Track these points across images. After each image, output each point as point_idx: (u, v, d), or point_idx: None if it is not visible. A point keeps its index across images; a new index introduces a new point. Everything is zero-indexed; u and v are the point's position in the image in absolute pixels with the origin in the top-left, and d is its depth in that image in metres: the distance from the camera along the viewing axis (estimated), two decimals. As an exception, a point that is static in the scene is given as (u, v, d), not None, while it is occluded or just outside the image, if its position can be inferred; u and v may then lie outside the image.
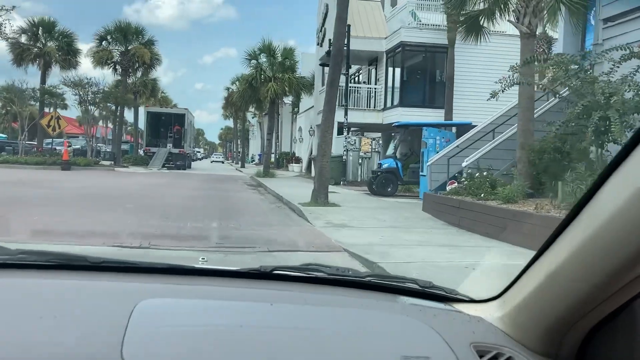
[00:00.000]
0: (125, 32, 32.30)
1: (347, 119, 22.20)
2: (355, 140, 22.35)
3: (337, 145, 24.75)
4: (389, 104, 25.34)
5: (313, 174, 29.26)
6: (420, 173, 15.14)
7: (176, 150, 37.31)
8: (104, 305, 1.14)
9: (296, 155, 43.84)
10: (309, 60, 35.92)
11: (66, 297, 1.18)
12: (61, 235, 7.58)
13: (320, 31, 27.01)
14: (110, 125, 75.23)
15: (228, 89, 51.29)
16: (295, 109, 53.68)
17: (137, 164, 35.19)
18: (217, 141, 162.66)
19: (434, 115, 23.11)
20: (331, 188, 19.74)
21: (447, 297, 1.42)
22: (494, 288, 1.34)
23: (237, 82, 51.68)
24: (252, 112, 72.46)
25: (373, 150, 22.41)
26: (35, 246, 1.68)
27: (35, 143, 32.20)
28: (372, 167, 22.71)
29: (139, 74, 42.45)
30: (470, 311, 1.33)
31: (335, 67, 12.62)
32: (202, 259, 1.52)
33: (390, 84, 25.58)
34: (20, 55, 30.51)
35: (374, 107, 25.93)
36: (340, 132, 26.71)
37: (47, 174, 22.99)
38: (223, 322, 1.15)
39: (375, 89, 26.28)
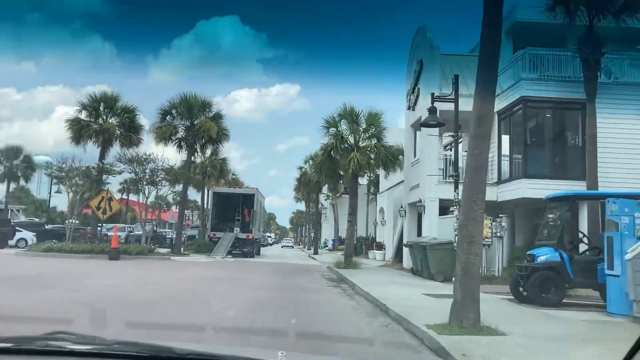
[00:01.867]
0: (191, 105, 29.31)
1: (458, 194, 17.02)
2: (468, 221, 17.05)
3: (442, 229, 19.46)
4: (505, 175, 20.04)
5: (405, 264, 23.91)
6: (607, 271, 9.56)
7: (244, 235, 33.05)
8: None
9: (377, 240, 38.53)
10: (391, 136, 31.55)
11: None
12: None
13: (412, 92, 22.58)
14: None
15: (301, 168, 47.67)
16: (372, 189, 49.06)
17: (200, 251, 31.12)
18: (288, 225, 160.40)
19: (569, 188, 17.63)
20: (444, 287, 14.32)
21: None
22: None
23: (310, 161, 48.14)
24: (325, 194, 68.52)
25: (494, 234, 16.93)
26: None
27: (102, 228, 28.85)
28: (493, 257, 17.15)
29: (207, 152, 39.66)
30: None
31: (485, 96, 7.65)
32: (282, 353, 1.52)
33: (505, 151, 20.41)
34: (79, 132, 27.91)
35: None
36: (443, 212, 21.45)
37: (86, 265, 18.98)
38: None
39: (483, 158, 21.10)
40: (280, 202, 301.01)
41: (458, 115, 17.44)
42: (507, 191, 19.26)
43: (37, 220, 51.47)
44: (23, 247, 29.55)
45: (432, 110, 16.79)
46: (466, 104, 18.65)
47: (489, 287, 14.48)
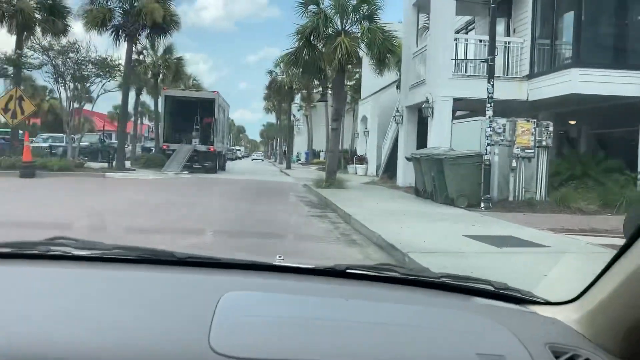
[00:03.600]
0: (130, -17, 23.00)
1: (492, 87, 12.18)
2: (504, 126, 12.27)
3: (459, 138, 14.76)
4: (543, 67, 15.16)
5: (401, 181, 19.28)
6: None
7: (204, 148, 27.95)
8: (191, 297, 1.21)
9: (357, 153, 33.93)
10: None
11: (156, 289, 1.27)
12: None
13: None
14: (147, 121, 67.16)
15: (271, 72, 41.77)
16: (349, 99, 43.99)
17: (150, 166, 26.02)
18: (259, 139, 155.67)
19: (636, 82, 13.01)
20: (482, 220, 9.82)
21: (522, 299, 1.40)
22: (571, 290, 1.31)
23: (281, 64, 42.25)
24: (298, 104, 62.84)
25: (537, 143, 12.26)
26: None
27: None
28: (533, 174, 12.54)
29: (160, 49, 33.58)
30: (546, 313, 1.33)
31: None
32: (279, 256, 1.53)
33: (542, 33, 15.41)
34: (-14, 15, 21.64)
35: (510, 74, 15.80)
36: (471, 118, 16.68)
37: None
38: (301, 314, 1.19)
39: (507, 44, 16.03)
40: (251, 116, 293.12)
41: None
42: (546, 87, 14.46)
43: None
44: None
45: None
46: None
47: (534, 217, 10.09)
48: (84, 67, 19.64)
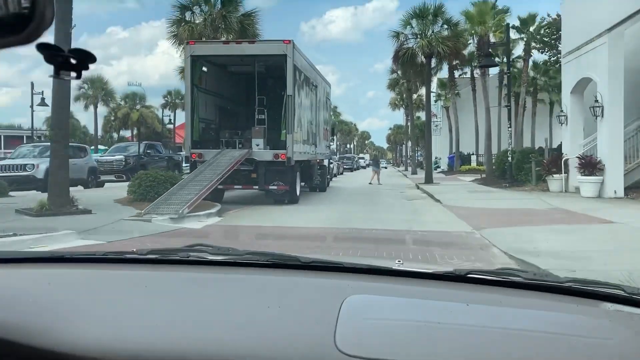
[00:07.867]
0: None
1: None
2: None
3: None
4: None
5: None
6: None
7: (268, 156, 13.91)
8: (316, 299, 1.28)
9: (564, 151, 17.68)
10: None
11: (284, 292, 1.35)
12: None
13: None
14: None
15: (397, 34, 26.45)
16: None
17: (158, 192, 12.31)
18: (385, 146, 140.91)
19: None
20: None
21: None
22: None
23: (412, 21, 27.37)
24: (435, 93, 46.75)
25: None
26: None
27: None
28: None
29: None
30: None
31: None
32: (399, 261, 1.55)
33: None
34: None
35: None
36: None
37: None
38: (422, 319, 1.19)
39: None
40: (379, 124, 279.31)
41: None
42: None
43: None
44: None
45: None
46: None
47: None
48: None
